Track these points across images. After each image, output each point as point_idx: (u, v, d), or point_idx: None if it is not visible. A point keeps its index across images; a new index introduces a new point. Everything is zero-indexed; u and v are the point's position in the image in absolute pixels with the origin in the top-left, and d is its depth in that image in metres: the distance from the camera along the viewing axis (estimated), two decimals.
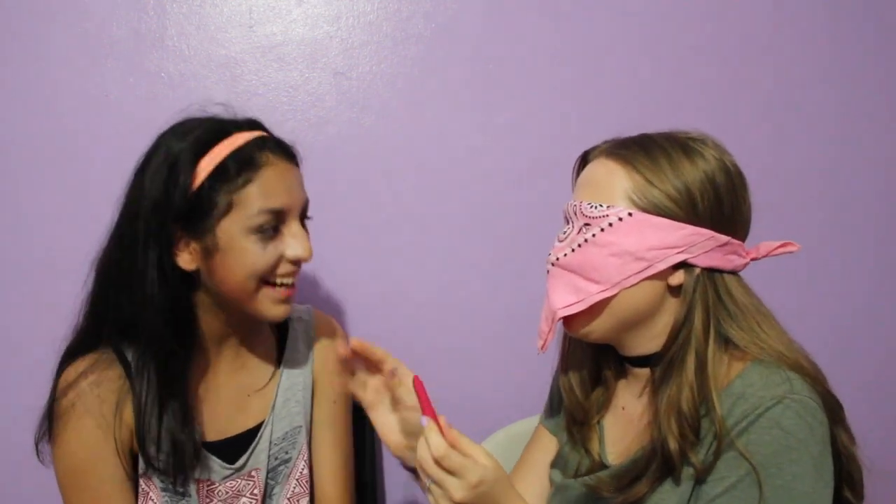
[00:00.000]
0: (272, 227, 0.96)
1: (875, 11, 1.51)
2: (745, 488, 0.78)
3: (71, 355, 0.99)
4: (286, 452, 1.09)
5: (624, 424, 0.94)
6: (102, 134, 1.31)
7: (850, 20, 1.51)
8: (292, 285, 1.00)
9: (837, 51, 1.51)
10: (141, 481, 0.99)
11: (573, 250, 0.87)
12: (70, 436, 0.95)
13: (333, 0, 1.37)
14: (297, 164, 1.02)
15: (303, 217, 1.02)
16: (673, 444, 0.81)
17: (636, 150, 0.86)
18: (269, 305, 0.98)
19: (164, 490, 1.00)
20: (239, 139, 0.96)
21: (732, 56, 1.48)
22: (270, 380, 1.09)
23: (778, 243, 0.88)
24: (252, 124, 1.01)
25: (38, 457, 0.99)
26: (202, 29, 1.34)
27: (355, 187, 1.38)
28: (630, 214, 0.83)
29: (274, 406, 1.09)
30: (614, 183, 0.85)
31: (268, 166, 0.96)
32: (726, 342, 0.84)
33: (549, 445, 1.05)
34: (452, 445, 0.78)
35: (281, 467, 1.09)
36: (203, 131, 0.96)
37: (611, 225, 0.84)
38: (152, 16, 1.32)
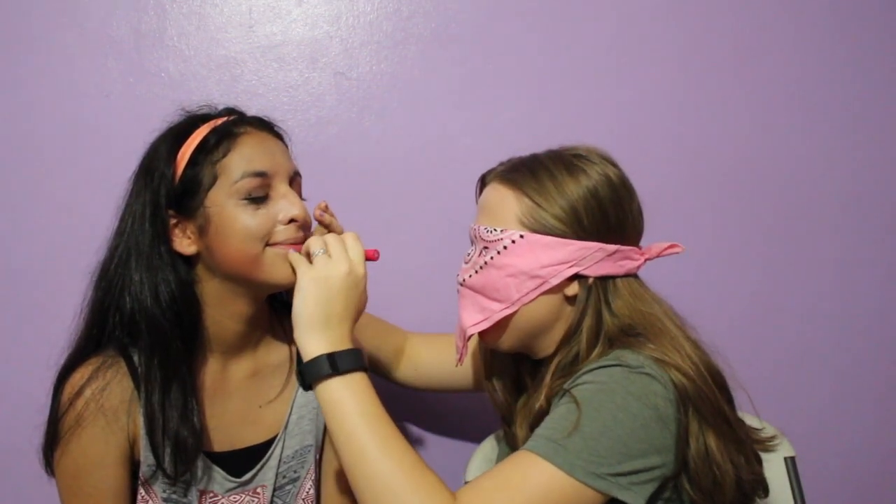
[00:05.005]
0: (261, 194, 0.93)
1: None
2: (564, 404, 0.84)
3: (73, 362, 0.97)
4: (295, 471, 1.08)
5: None
6: (102, 134, 1.31)
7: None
8: (298, 241, 0.95)
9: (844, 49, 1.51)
10: (141, 490, 0.98)
11: (476, 272, 0.94)
12: (76, 443, 0.94)
13: (333, 0, 1.37)
14: (279, 137, 1.01)
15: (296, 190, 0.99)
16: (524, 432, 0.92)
17: (524, 173, 0.92)
18: (278, 267, 0.93)
19: (166, 500, 0.99)
20: (216, 122, 0.97)
21: (737, 53, 1.48)
22: (284, 392, 1.07)
23: (666, 245, 0.95)
24: (230, 111, 1.01)
25: (47, 469, 0.98)
26: (202, 29, 1.34)
27: (355, 187, 1.38)
28: (522, 237, 0.90)
29: (287, 423, 1.07)
30: (506, 208, 0.92)
31: (246, 135, 0.96)
32: (613, 342, 0.89)
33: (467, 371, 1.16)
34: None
35: (288, 486, 1.07)
36: (180, 122, 0.98)
37: (505, 248, 0.90)
38: (152, 16, 1.32)
